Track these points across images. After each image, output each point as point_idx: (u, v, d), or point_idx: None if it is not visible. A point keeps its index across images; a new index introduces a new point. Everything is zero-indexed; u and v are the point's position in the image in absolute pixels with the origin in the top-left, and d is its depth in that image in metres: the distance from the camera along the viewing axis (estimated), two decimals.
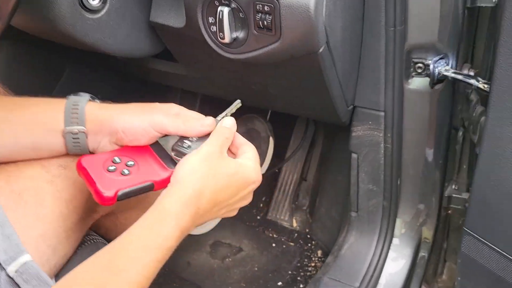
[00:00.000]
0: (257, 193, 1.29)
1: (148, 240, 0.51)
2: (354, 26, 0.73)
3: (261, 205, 1.29)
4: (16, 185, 0.62)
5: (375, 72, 0.80)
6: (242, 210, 1.28)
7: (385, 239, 0.95)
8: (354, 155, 0.93)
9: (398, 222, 0.96)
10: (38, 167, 0.63)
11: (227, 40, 0.67)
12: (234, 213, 0.65)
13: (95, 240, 0.73)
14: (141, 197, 0.80)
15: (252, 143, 1.12)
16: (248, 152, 0.61)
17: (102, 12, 0.72)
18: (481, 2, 0.74)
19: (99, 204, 0.65)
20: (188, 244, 1.21)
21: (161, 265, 0.52)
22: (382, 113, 0.84)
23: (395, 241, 0.96)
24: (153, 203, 0.74)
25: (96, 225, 0.78)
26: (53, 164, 0.64)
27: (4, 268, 0.53)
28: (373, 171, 0.92)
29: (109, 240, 0.83)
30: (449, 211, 0.98)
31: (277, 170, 1.28)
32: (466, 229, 0.71)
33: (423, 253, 0.97)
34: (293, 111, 0.98)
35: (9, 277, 0.53)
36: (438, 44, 0.77)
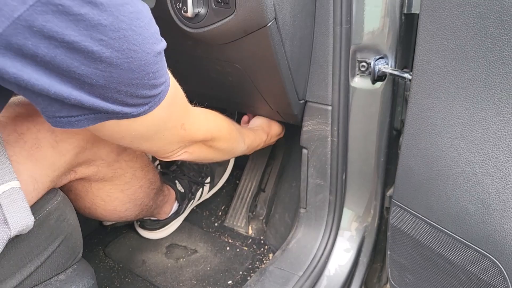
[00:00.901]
0: (216, 201, 1.35)
1: None
2: (304, 15, 0.83)
3: (220, 213, 1.33)
4: (20, 126, 0.68)
5: (323, 68, 0.90)
6: (200, 216, 1.33)
7: (330, 232, 1.00)
8: (304, 151, 1.00)
9: (349, 215, 1.01)
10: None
11: (189, 14, 0.76)
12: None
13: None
14: (117, 173, 0.86)
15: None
16: None
17: None
18: (415, 10, 0.85)
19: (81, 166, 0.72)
20: (145, 245, 1.24)
21: None
22: (330, 107, 0.93)
23: (346, 234, 1.01)
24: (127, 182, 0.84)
25: (67, 187, 0.82)
26: None
27: None
28: (321, 165, 0.99)
29: (78, 208, 0.88)
30: None
31: (237, 181, 1.33)
32: (393, 201, 0.77)
33: (367, 249, 1.01)
34: (251, 105, 1.06)
35: None
36: (379, 45, 0.87)
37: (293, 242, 1.03)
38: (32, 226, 0.64)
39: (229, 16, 0.74)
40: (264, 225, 1.27)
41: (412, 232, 0.74)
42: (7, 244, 0.61)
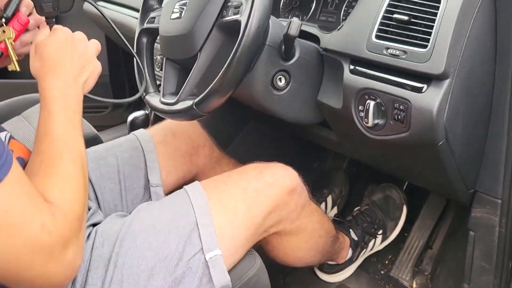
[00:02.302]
0: (384, 249, 1.46)
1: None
2: (477, 127, 0.90)
3: (386, 262, 1.44)
4: (225, 197, 0.91)
5: (495, 165, 0.95)
6: (368, 261, 1.45)
7: None
8: (471, 233, 1.06)
9: None
10: (244, 182, 0.92)
11: (370, 124, 0.90)
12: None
13: (251, 252, 0.97)
14: (300, 228, 1.04)
15: (387, 209, 1.35)
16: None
17: (285, 91, 1.01)
18: None
19: (271, 226, 0.92)
20: (317, 285, 1.42)
21: None
22: (500, 201, 0.97)
23: None
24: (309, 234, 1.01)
25: (265, 240, 1.03)
26: (251, 184, 0.92)
27: (204, 253, 0.82)
28: (487, 250, 1.04)
29: (273, 256, 1.09)
30: None
31: (405, 234, 1.43)
32: None
33: None
34: (420, 184, 1.16)
35: (206, 261, 0.82)
36: None
37: None
38: (230, 285, 0.85)
39: (403, 133, 0.86)
40: (429, 282, 1.34)
41: None
42: None
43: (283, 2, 1.26)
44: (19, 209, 0.56)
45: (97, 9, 0.92)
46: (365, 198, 1.47)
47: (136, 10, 1.68)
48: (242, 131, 1.50)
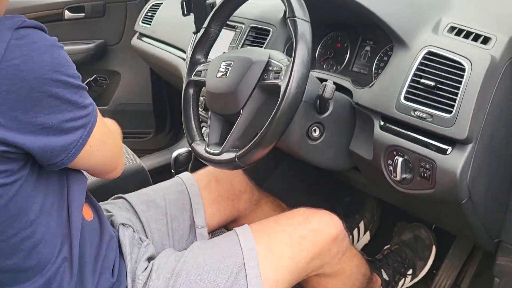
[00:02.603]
0: (413, 287, 1.50)
1: None
2: (501, 184, 0.96)
3: None
4: (272, 241, 0.99)
5: None
6: None
7: None
8: (496, 279, 1.11)
9: None
10: (290, 228, 1.01)
11: (397, 178, 0.97)
12: None
13: None
14: (339, 271, 1.11)
15: (417, 249, 1.41)
16: None
17: (319, 141, 1.09)
18: None
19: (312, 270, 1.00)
20: None
21: None
22: None
23: None
24: (347, 276, 1.08)
25: (306, 280, 1.10)
26: (298, 230, 1.01)
27: None
28: None
29: None
30: None
31: (434, 272, 1.47)
32: None
33: None
34: (446, 229, 1.21)
35: None
36: None
37: None
38: None
39: (429, 189, 0.92)
40: None
41: None
42: None
43: (318, 52, 1.35)
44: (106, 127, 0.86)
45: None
46: (395, 236, 1.53)
47: (176, 47, 1.81)
48: (277, 169, 1.60)
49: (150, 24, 2.01)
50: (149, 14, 2.05)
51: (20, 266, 0.77)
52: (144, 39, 2.06)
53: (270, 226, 1.03)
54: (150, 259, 0.98)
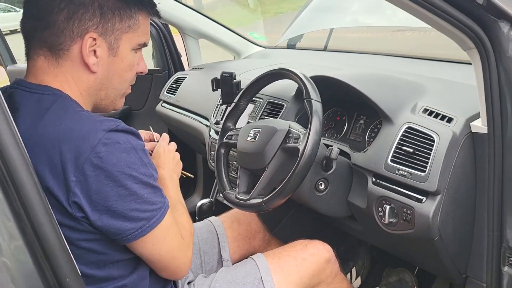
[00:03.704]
0: None
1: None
2: (465, 228, 1.25)
3: None
4: (282, 262, 1.26)
5: (480, 256, 1.28)
6: None
7: None
8: None
9: None
10: (294, 252, 1.28)
11: (386, 222, 1.27)
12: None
13: None
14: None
15: None
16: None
17: (324, 193, 1.39)
18: None
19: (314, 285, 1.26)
20: None
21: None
22: (484, 285, 1.30)
23: None
24: None
25: None
26: (299, 254, 1.28)
27: None
28: None
29: None
30: None
31: None
32: None
33: None
34: (425, 268, 1.49)
35: None
36: None
37: None
38: None
39: (409, 230, 1.22)
40: None
41: None
42: None
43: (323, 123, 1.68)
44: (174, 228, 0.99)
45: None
46: (383, 279, 1.79)
47: (199, 115, 2.13)
48: (285, 218, 1.88)
49: (174, 94, 2.35)
50: (174, 85, 2.40)
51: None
52: (168, 106, 2.39)
53: (278, 252, 1.33)
54: (189, 283, 1.24)
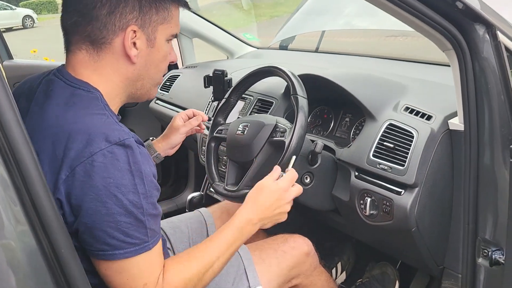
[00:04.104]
0: None
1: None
2: (441, 220, 1.31)
3: None
4: (265, 252, 1.31)
5: (456, 248, 1.35)
6: None
7: None
8: None
9: None
10: (275, 245, 1.33)
11: (367, 214, 1.33)
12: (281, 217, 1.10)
13: None
14: (312, 282, 1.43)
15: (383, 283, 1.74)
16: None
17: (310, 186, 1.44)
18: None
19: (292, 278, 1.32)
20: None
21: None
22: (460, 276, 1.36)
23: None
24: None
25: None
26: (280, 247, 1.34)
27: None
28: None
29: None
30: None
31: None
32: None
33: None
34: (405, 260, 1.55)
35: None
36: (499, 242, 1.29)
37: None
38: None
39: (389, 221, 1.28)
40: None
41: None
42: None
43: (310, 120, 1.75)
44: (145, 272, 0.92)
45: None
46: (367, 272, 1.85)
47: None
48: None
49: (168, 91, 2.41)
50: (167, 83, 2.45)
51: None
52: (162, 103, 2.44)
53: (260, 244, 1.38)
54: None
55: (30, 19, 17.89)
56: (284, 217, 1.12)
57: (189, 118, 1.50)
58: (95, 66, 0.98)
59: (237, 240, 1.06)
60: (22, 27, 17.48)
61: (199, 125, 1.51)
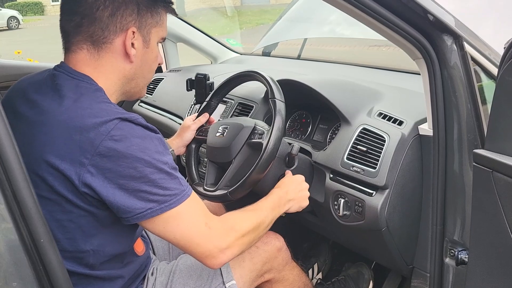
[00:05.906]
0: None
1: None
2: (411, 221, 1.37)
3: None
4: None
5: (424, 248, 1.41)
6: None
7: None
8: None
9: None
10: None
11: (341, 214, 1.38)
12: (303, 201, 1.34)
13: None
14: (284, 278, 1.47)
15: (358, 282, 1.78)
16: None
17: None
18: None
19: (265, 272, 1.36)
20: None
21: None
22: (428, 274, 1.42)
23: None
24: (291, 283, 1.43)
25: (261, 286, 1.45)
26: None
27: (224, 284, 1.26)
28: None
29: None
30: None
31: None
32: None
33: None
34: (377, 260, 1.60)
35: None
36: (464, 242, 1.35)
37: None
38: None
39: (361, 221, 1.34)
40: None
41: None
42: None
43: (288, 125, 1.80)
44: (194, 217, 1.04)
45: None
46: (343, 271, 1.90)
47: (174, 114, 2.23)
48: None
49: (151, 94, 2.44)
50: (151, 86, 2.49)
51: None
52: (145, 105, 2.48)
53: None
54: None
55: (15, 20, 17.82)
56: (306, 202, 1.35)
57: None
58: (95, 64, 1.05)
59: (277, 207, 1.27)
60: (7, 28, 17.42)
61: (208, 120, 1.62)
